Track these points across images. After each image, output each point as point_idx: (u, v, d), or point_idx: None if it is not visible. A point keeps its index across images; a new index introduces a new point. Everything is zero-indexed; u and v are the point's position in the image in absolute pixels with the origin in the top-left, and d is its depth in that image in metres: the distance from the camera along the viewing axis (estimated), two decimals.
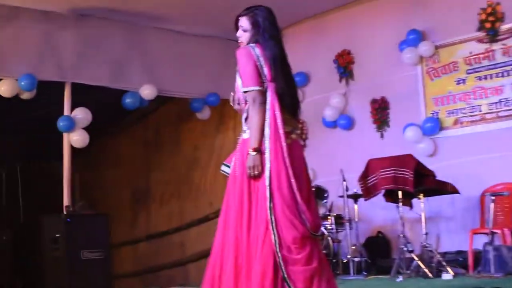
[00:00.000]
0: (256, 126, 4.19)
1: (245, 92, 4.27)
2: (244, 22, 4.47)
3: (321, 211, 8.63)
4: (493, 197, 7.14)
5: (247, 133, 4.29)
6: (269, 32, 4.39)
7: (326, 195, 8.62)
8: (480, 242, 7.32)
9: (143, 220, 12.84)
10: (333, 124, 9.80)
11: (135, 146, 13.12)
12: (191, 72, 10.14)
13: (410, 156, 7.61)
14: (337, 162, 9.09)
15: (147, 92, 9.47)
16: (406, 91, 9.07)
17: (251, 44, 4.34)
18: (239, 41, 4.47)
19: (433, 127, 8.64)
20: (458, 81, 8.61)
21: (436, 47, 8.81)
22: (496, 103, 8.24)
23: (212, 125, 11.36)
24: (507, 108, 8.14)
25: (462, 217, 8.24)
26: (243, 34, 4.45)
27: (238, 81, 4.36)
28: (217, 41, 10.47)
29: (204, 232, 11.31)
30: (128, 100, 9.47)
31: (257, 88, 4.23)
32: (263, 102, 4.22)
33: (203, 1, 9.20)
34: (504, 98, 8.18)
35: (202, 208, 11.50)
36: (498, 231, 7.35)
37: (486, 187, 7.86)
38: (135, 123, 12.76)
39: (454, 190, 7.67)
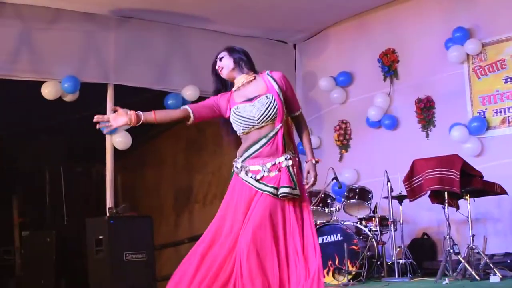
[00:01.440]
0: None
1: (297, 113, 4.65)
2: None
3: (365, 212, 8.64)
4: None
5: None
6: None
7: (370, 196, 8.62)
8: None
9: (186, 222, 12.95)
10: (377, 124, 9.79)
11: (177, 146, 13.23)
12: None
13: (456, 156, 7.56)
14: (381, 162, 9.07)
15: (189, 93, 9.57)
16: (452, 90, 9.02)
17: None
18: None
19: (479, 126, 8.58)
20: (506, 79, 8.54)
21: (483, 45, 8.75)
22: None
23: None
24: None
25: (510, 218, 8.18)
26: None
27: (281, 94, 4.49)
28: (259, 42, 10.55)
29: None
30: (170, 102, 9.57)
31: None
32: None
33: (245, 1, 9.26)
34: None
35: None
36: None
37: None
38: (177, 124, 12.86)
39: (501, 191, 7.60)
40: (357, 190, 8.66)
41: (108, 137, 8.96)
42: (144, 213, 12.08)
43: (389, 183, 8.21)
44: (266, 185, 4.39)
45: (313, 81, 10.70)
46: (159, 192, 13.55)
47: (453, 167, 7.37)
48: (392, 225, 8.22)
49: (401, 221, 8.34)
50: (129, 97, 9.46)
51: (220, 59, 4.70)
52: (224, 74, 4.62)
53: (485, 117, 8.63)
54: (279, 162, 4.44)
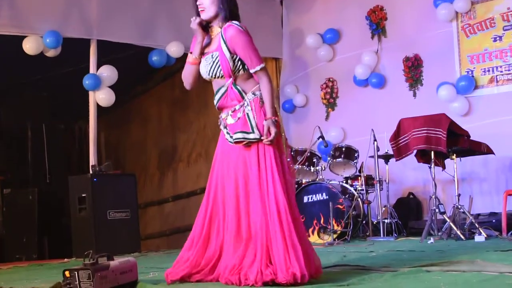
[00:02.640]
0: (272, 97, 4.37)
1: (254, 70, 4.36)
2: None
3: (351, 171, 8.68)
4: None
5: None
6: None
7: (356, 155, 8.65)
8: None
9: (170, 180, 12.97)
10: (364, 83, 9.81)
11: (162, 105, 13.20)
12: None
13: (443, 115, 7.57)
14: (368, 121, 9.10)
15: (174, 49, 9.51)
16: (441, 49, 9.06)
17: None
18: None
19: (467, 85, 8.63)
20: (494, 38, 8.57)
21: (472, 3, 8.78)
22: None
23: None
24: None
25: (496, 178, 8.27)
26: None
27: (227, 53, 4.36)
28: None
29: None
30: (154, 58, 9.52)
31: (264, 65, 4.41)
32: None
33: None
34: None
35: None
36: None
37: None
38: (162, 81, 12.83)
39: (488, 151, 7.66)
40: (343, 149, 8.68)
41: (91, 94, 8.91)
42: (128, 171, 12.12)
43: (375, 142, 8.25)
44: (227, 133, 4.41)
45: (300, 38, 10.66)
46: (144, 151, 13.54)
47: (440, 127, 7.39)
48: (378, 184, 8.29)
49: (387, 181, 8.41)
50: (112, 53, 9.40)
51: None
52: (202, 16, 4.49)
53: (473, 76, 8.67)
54: (237, 109, 4.41)
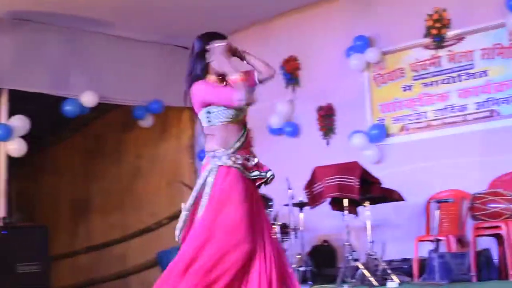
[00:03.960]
0: None
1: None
2: None
3: None
4: (438, 204, 7.33)
5: None
6: None
7: (271, 203, 8.71)
8: (426, 249, 7.52)
9: (83, 232, 12.81)
10: (279, 132, 9.97)
11: (75, 155, 13.09)
12: (134, 78, 10.22)
13: (355, 163, 7.77)
14: (282, 170, 9.04)
15: (88, 99, 9.51)
16: (353, 98, 9.29)
17: None
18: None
19: (379, 134, 8.87)
20: (404, 87, 8.86)
21: (383, 53, 9.05)
22: (442, 109, 8.51)
23: (155, 133, 11.42)
24: (453, 114, 8.41)
25: (408, 224, 8.45)
26: None
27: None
28: (160, 47, 10.61)
29: (146, 243, 11.36)
30: (68, 108, 9.49)
31: None
32: None
33: (146, 6, 9.27)
34: (449, 105, 8.45)
35: (144, 219, 11.54)
36: (443, 238, 7.57)
37: (431, 194, 8.09)
38: (75, 131, 12.75)
39: (400, 198, 7.87)
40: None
41: (1, 144, 8.80)
42: (40, 223, 11.90)
43: (290, 191, 8.34)
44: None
45: None
46: (56, 201, 13.35)
47: (353, 174, 7.57)
48: (293, 232, 8.36)
49: (301, 229, 8.48)
50: (25, 103, 9.32)
51: None
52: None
53: (384, 125, 8.92)
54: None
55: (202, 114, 4.46)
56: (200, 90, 4.41)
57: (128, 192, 12.03)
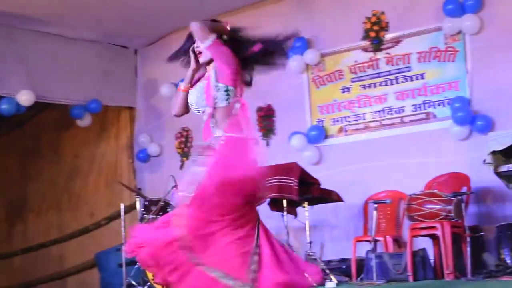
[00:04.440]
0: None
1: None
2: None
3: None
4: (376, 205, 7.41)
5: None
6: None
7: None
8: (364, 250, 7.65)
9: (19, 233, 12.62)
10: None
11: (11, 155, 12.87)
12: (72, 77, 10.10)
13: (294, 164, 7.84)
14: None
15: (25, 97, 9.36)
16: (292, 99, 9.37)
17: None
18: None
19: (318, 135, 8.97)
20: (343, 89, 8.97)
21: (322, 55, 9.15)
22: (379, 111, 8.66)
23: (93, 133, 11.32)
24: (390, 116, 8.56)
25: (346, 225, 8.58)
26: None
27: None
28: (98, 46, 10.52)
29: (84, 244, 11.25)
30: (3, 106, 9.34)
31: None
32: None
33: (84, 4, 9.18)
34: (387, 107, 8.60)
35: (82, 219, 11.43)
36: (381, 238, 7.70)
37: (369, 195, 8.22)
38: (11, 130, 12.54)
39: (338, 198, 7.98)
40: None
41: None
42: None
43: None
44: None
45: (154, 88, 10.73)
46: None
47: (292, 175, 7.65)
48: None
49: None
50: None
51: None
52: (200, 60, 4.44)
53: (323, 126, 9.03)
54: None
55: None
56: None
57: (65, 192, 11.89)
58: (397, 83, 8.57)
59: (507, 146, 7.04)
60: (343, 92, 8.97)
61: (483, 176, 7.46)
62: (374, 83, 8.74)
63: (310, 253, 7.62)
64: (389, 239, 7.77)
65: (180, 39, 9.81)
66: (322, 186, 7.92)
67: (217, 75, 4.27)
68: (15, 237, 12.66)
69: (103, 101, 10.34)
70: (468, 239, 6.95)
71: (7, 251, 12.55)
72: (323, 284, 7.24)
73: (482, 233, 7.49)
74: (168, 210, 8.70)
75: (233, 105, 4.29)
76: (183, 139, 10.41)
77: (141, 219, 8.22)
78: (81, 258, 11.15)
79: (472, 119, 7.85)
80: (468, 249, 6.93)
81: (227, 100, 4.27)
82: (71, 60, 10.17)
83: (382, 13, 8.69)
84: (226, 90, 4.26)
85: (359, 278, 7.51)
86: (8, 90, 9.37)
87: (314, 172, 8.09)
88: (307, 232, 7.74)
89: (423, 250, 7.47)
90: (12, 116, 9.82)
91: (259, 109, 9.63)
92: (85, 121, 10.56)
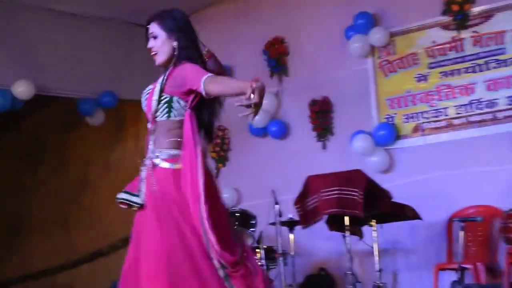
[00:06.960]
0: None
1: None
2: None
3: (248, 242, 8.64)
4: (462, 224, 7.25)
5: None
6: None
7: (253, 222, 8.61)
8: (448, 280, 7.45)
9: (17, 257, 12.70)
10: (262, 132, 9.89)
11: (5, 161, 12.95)
12: (80, 64, 10.09)
13: (359, 172, 7.67)
14: (268, 180, 9.15)
15: (22, 90, 9.35)
16: (354, 90, 9.24)
17: None
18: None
19: (387, 135, 8.82)
20: (418, 77, 8.83)
21: (392, 35, 9.01)
22: (465, 105, 8.50)
23: (107, 133, 11.33)
24: (479, 111, 8.40)
25: (424, 249, 8.44)
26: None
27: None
28: (116, 25, 10.47)
29: (97, 270, 11.26)
30: None
31: None
32: None
33: None
34: (475, 99, 8.44)
35: (94, 240, 11.45)
36: (470, 266, 7.49)
37: (454, 211, 8.08)
38: (5, 131, 12.60)
39: (414, 215, 7.80)
40: (237, 214, 8.64)
41: None
42: None
43: (277, 206, 8.23)
44: None
45: None
46: None
47: (355, 186, 7.47)
48: (282, 258, 8.25)
49: (292, 253, 8.39)
50: None
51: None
52: (156, 62, 4.68)
53: (394, 124, 8.87)
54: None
55: None
56: None
57: (74, 207, 11.92)
58: (488, 69, 8.41)
59: None
60: (419, 81, 8.83)
61: None
62: (458, 70, 8.59)
63: (380, 284, 7.46)
64: (480, 266, 7.55)
65: (216, 16, 9.80)
66: (393, 200, 7.74)
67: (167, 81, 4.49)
68: (11, 262, 12.74)
69: (118, 93, 10.30)
70: None
71: (1, 279, 12.62)
72: None
73: None
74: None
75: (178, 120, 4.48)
76: (219, 141, 10.28)
77: None
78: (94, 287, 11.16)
79: None
80: None
81: (169, 114, 4.48)
82: (79, 42, 10.13)
83: None
84: (169, 102, 4.48)
85: None
86: (1, 81, 9.35)
87: (383, 182, 7.92)
88: (376, 258, 7.61)
89: None
90: (6, 113, 9.79)
91: (313, 103, 9.51)
92: (97, 118, 10.54)
